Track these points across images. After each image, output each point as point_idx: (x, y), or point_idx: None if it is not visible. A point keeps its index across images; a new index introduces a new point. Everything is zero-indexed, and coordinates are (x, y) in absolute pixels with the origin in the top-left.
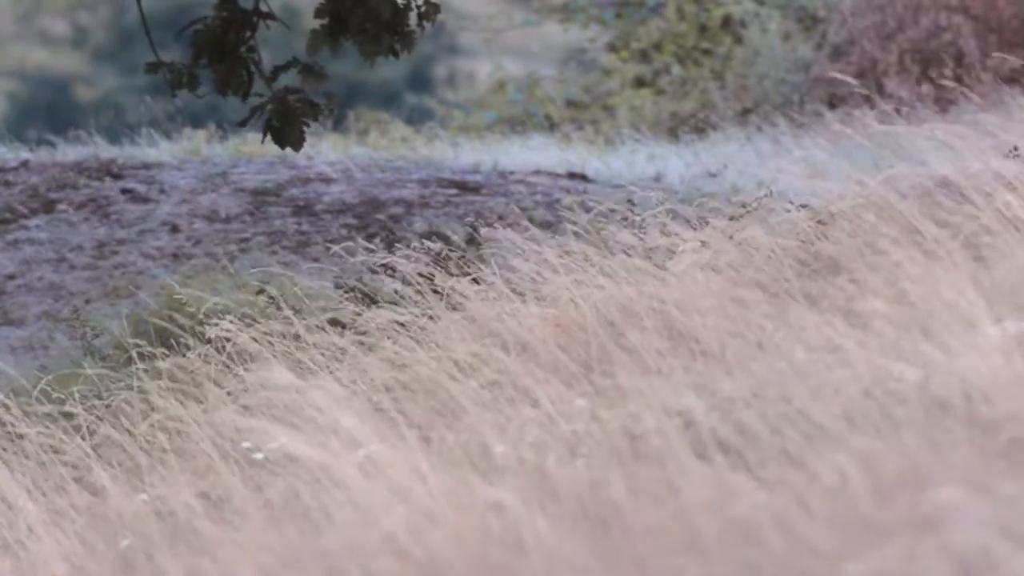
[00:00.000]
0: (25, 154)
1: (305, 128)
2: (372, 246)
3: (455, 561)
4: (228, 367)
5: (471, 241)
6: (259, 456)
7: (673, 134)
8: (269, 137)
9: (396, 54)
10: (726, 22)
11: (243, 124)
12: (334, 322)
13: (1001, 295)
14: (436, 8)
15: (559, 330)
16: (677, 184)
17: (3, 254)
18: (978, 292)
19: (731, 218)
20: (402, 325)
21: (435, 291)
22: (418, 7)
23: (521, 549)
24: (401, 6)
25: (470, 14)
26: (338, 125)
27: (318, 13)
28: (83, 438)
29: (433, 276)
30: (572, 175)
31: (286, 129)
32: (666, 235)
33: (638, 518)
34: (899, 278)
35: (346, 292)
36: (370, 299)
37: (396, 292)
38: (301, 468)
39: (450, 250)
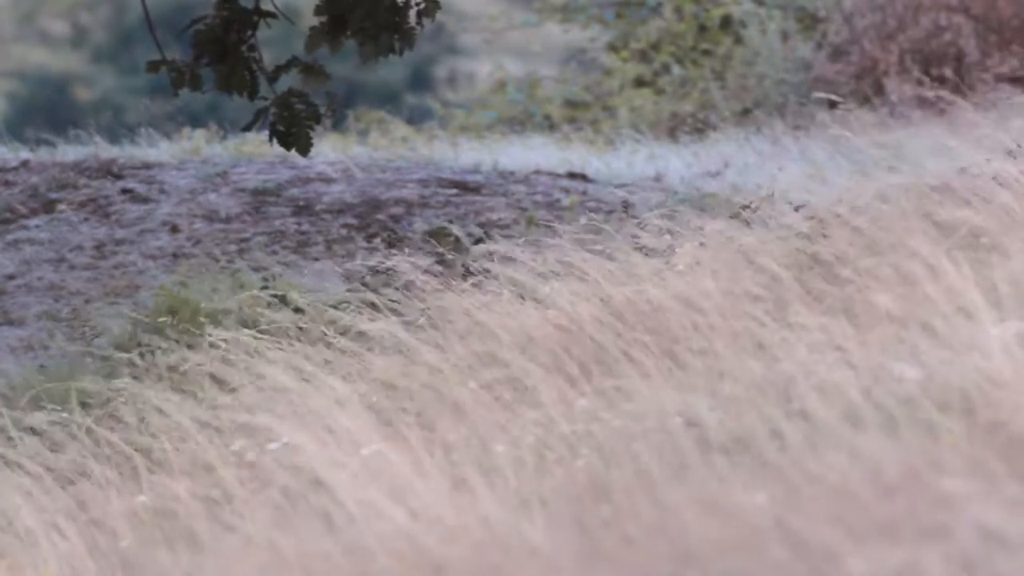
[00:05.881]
0: (25, 154)
1: (311, 133)
2: (373, 246)
3: (455, 561)
4: (228, 366)
5: (479, 242)
6: (259, 456)
7: (673, 134)
8: (276, 141)
9: (397, 52)
10: (726, 22)
11: (247, 128)
12: (336, 322)
13: (1001, 295)
14: (436, 5)
15: (559, 331)
16: (677, 184)
17: (3, 254)
18: (979, 292)
19: (731, 217)
20: (403, 325)
21: (436, 292)
22: (417, 4)
23: (521, 550)
24: (401, 3)
25: (470, 14)
26: (338, 125)
27: (317, 11)
28: (82, 438)
29: (435, 276)
30: (572, 175)
31: (293, 133)
32: (666, 235)
33: (638, 519)
34: (899, 278)
35: (352, 292)
36: (372, 303)
37: (398, 292)
38: (302, 468)
39: (451, 252)
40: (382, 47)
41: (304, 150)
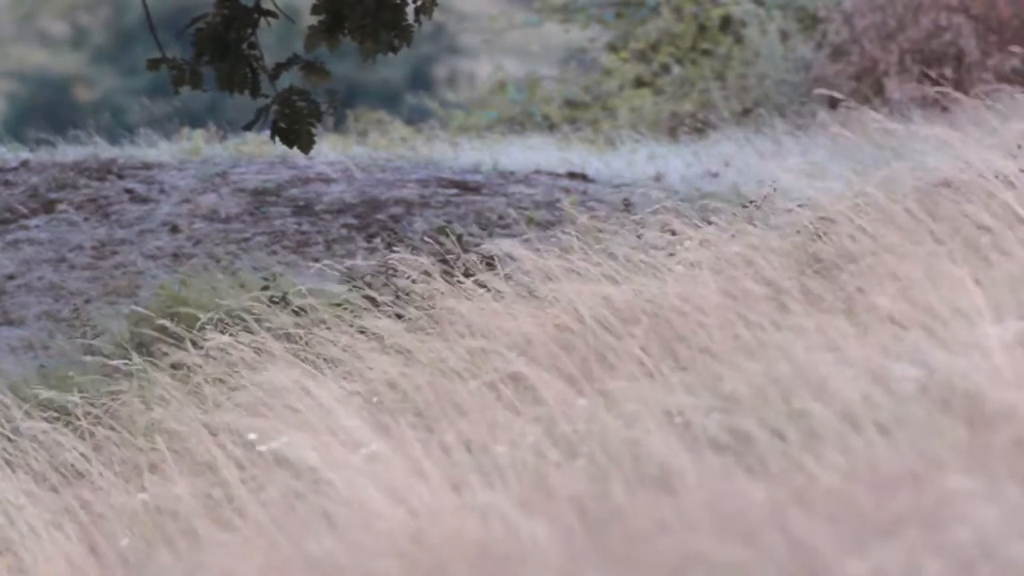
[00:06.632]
0: (25, 154)
1: (313, 130)
2: (373, 246)
3: (455, 561)
4: (229, 366)
5: (479, 243)
6: (259, 455)
7: (673, 134)
8: (278, 138)
9: (395, 50)
10: (726, 22)
11: (250, 127)
12: (336, 321)
13: (1002, 294)
14: (433, 2)
15: (559, 330)
16: (677, 184)
17: (3, 254)
18: (979, 291)
19: (732, 217)
20: (403, 325)
21: (437, 291)
22: (415, 1)
23: (520, 550)
24: (399, 1)
25: (470, 14)
26: (338, 125)
27: (315, 9)
28: (83, 438)
29: (435, 276)
30: (572, 175)
31: (295, 131)
32: (666, 235)
33: (637, 519)
34: (899, 277)
35: (353, 291)
36: (372, 300)
37: (398, 292)
38: (301, 468)
39: (452, 252)
40: (381, 44)
41: (306, 147)
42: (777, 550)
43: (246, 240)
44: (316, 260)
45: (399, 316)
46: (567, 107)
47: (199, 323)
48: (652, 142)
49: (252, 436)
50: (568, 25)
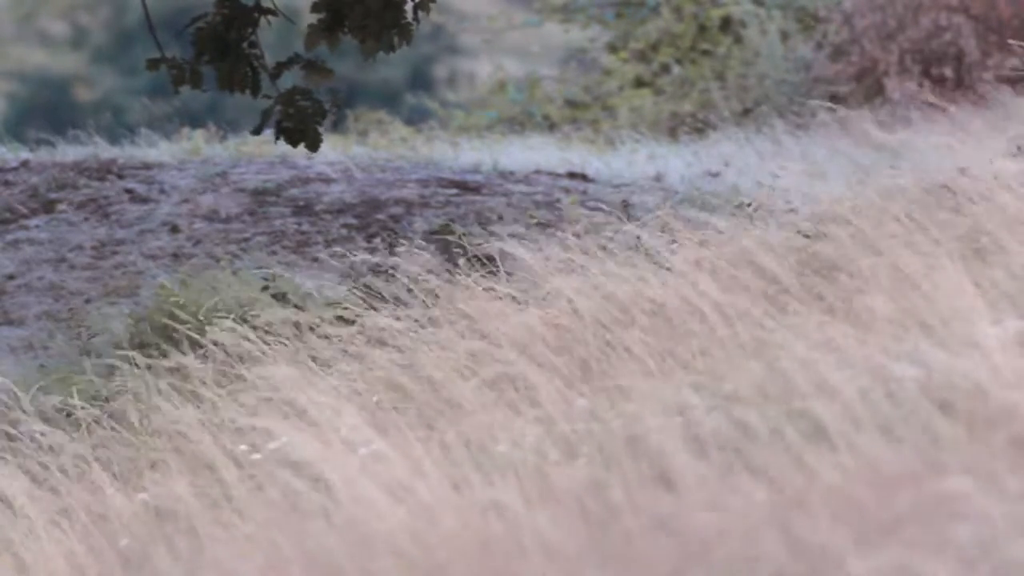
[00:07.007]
0: (25, 154)
1: (319, 128)
2: (373, 246)
3: (455, 561)
4: (229, 366)
5: (480, 243)
6: (259, 455)
7: (673, 134)
8: (283, 138)
9: (394, 48)
10: (726, 22)
11: (257, 132)
12: (337, 321)
13: (1001, 294)
14: None
15: (558, 330)
16: (677, 184)
17: (3, 254)
18: (978, 291)
19: (731, 216)
20: (404, 324)
21: (437, 291)
22: None
23: (521, 549)
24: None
25: (470, 14)
26: (338, 125)
27: (315, 7)
28: (83, 438)
29: (436, 275)
30: (572, 175)
31: (301, 129)
32: (666, 234)
33: (637, 518)
34: (899, 277)
35: (354, 290)
36: (373, 299)
37: (398, 291)
38: (301, 467)
39: (453, 251)
40: (382, 43)
41: (314, 146)
42: (777, 550)
43: (246, 240)
44: (316, 260)
45: (399, 316)
46: (567, 107)
47: (199, 323)
48: (652, 142)
49: (243, 447)
50: (568, 25)
